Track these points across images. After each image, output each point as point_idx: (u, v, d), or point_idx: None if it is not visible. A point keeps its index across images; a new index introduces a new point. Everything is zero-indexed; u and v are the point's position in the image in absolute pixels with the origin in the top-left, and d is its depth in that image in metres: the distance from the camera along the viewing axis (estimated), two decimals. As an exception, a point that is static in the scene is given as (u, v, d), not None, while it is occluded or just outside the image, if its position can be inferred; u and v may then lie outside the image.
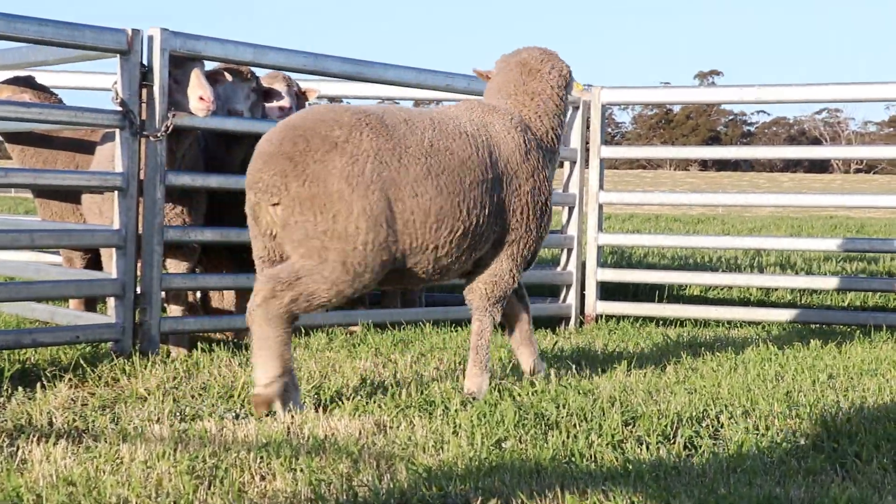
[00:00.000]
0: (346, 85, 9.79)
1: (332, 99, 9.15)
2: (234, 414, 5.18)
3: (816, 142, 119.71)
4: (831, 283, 9.80)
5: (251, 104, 7.66)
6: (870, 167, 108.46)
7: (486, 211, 5.67)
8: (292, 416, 5.06)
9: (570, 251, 9.64)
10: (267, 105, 8.02)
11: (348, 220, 5.21)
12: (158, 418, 5.06)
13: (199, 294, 8.14)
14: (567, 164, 9.65)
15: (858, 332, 8.92)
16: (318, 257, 5.21)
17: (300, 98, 8.44)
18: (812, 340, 8.22)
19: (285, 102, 8.17)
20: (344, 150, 5.26)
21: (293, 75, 8.54)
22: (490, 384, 5.79)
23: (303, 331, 7.88)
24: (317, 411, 5.18)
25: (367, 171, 5.26)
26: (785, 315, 9.53)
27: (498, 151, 5.81)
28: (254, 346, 5.24)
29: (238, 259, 8.22)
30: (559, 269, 9.76)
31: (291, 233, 5.23)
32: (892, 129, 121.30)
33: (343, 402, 5.34)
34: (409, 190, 5.38)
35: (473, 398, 5.55)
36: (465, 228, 5.59)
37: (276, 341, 5.20)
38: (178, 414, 5.16)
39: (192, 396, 5.58)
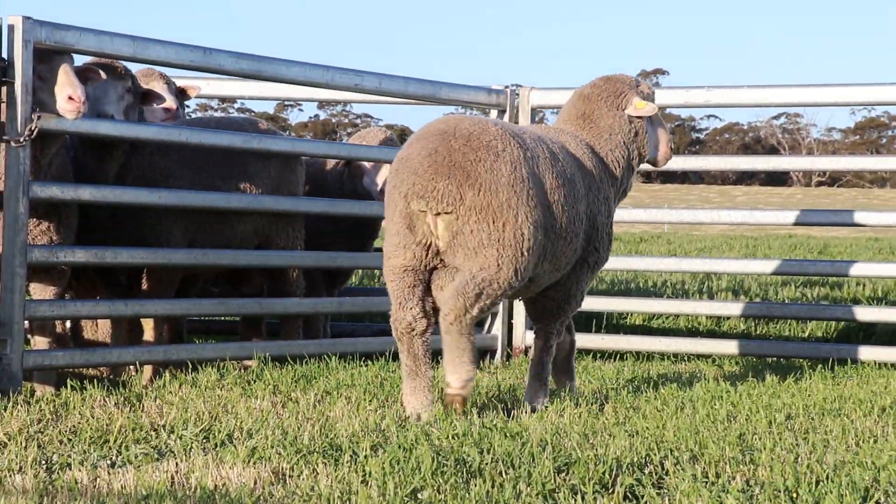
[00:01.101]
0: (241, 84, 9.78)
1: (223, 99, 9.17)
2: (109, 462, 5.14)
3: (774, 151, 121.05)
4: (790, 310, 9.93)
5: (126, 106, 7.58)
6: (833, 179, 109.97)
7: (584, 227, 6.73)
8: (177, 464, 5.04)
9: (495, 274, 9.68)
10: (148, 109, 8.00)
11: (515, 226, 6.13)
12: (21, 467, 5.00)
13: (68, 323, 8.07)
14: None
15: (820, 366, 9.03)
16: (496, 265, 6.12)
17: (181, 96, 8.44)
18: (768, 376, 8.31)
19: (170, 104, 8.16)
20: (506, 159, 6.15)
21: (180, 72, 8.53)
22: (407, 425, 5.80)
23: (190, 366, 7.84)
24: (205, 458, 5.15)
25: (526, 178, 6.20)
26: (738, 347, 9.63)
27: (582, 172, 6.79)
28: (449, 354, 6.19)
29: (114, 283, 8.18)
30: (483, 294, 9.79)
31: (466, 241, 6.09)
32: (857, 136, 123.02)
33: (236, 448, 5.32)
34: (549, 197, 6.38)
35: (533, 410, 6.57)
36: (576, 240, 6.67)
37: (469, 347, 6.22)
38: (43, 462, 5.11)
39: (61, 442, 5.52)
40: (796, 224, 9.89)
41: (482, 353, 9.55)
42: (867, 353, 9.36)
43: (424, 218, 6.10)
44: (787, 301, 12.99)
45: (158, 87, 8.23)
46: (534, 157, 6.36)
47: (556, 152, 6.64)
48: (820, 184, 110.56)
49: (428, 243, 6.15)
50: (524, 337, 9.65)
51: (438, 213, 6.07)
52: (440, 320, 6.21)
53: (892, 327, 10.48)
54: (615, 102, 7.18)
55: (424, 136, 6.24)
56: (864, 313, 9.64)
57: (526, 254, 6.20)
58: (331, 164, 9.50)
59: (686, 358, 9.64)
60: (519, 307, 9.62)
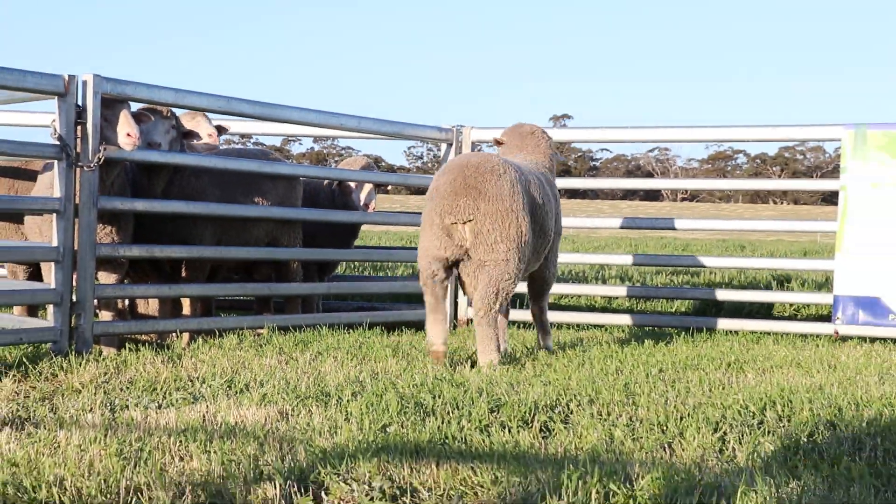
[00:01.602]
0: (256, 124, 9.76)
1: (242, 136, 9.09)
2: (156, 404, 5.10)
3: (649, 175, 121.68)
4: (662, 292, 9.97)
5: (171, 139, 7.60)
6: (693, 196, 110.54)
7: (552, 227, 7.22)
8: (207, 406, 5.01)
9: (445, 265, 9.65)
10: (195, 142, 8.04)
11: (516, 226, 6.57)
12: (91, 408, 4.97)
13: (127, 301, 8.01)
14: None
15: (684, 333, 9.08)
16: (505, 258, 6.53)
17: (219, 131, 8.44)
18: (646, 340, 8.35)
19: (213, 137, 8.22)
20: (506, 178, 6.59)
21: (211, 115, 8.50)
22: (379, 377, 5.81)
23: (217, 333, 7.80)
24: (228, 402, 5.12)
25: (521, 193, 6.64)
26: (624, 319, 9.67)
27: (550, 189, 7.24)
28: (480, 343, 6.58)
29: (160, 271, 8.13)
30: (436, 280, 9.77)
31: (486, 238, 6.51)
32: (710, 165, 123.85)
33: (251, 394, 5.30)
34: (535, 206, 6.84)
35: (549, 349, 7.39)
36: (549, 237, 7.16)
37: (493, 336, 6.60)
38: (108, 405, 5.07)
39: (121, 390, 5.49)
40: (666, 228, 9.94)
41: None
42: (718, 323, 9.42)
43: (456, 227, 6.54)
44: (659, 285, 13.06)
45: (203, 123, 8.26)
46: (524, 179, 6.80)
47: (536, 175, 7.10)
48: (683, 199, 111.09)
49: (461, 244, 6.57)
50: (466, 311, 9.64)
51: (465, 222, 6.51)
52: (474, 316, 6.61)
53: (736, 304, 10.55)
54: (549, 143, 7.80)
55: (448, 171, 6.66)
56: (716, 294, 9.70)
57: (524, 246, 6.64)
58: (325, 183, 9.47)
59: (586, 327, 9.66)
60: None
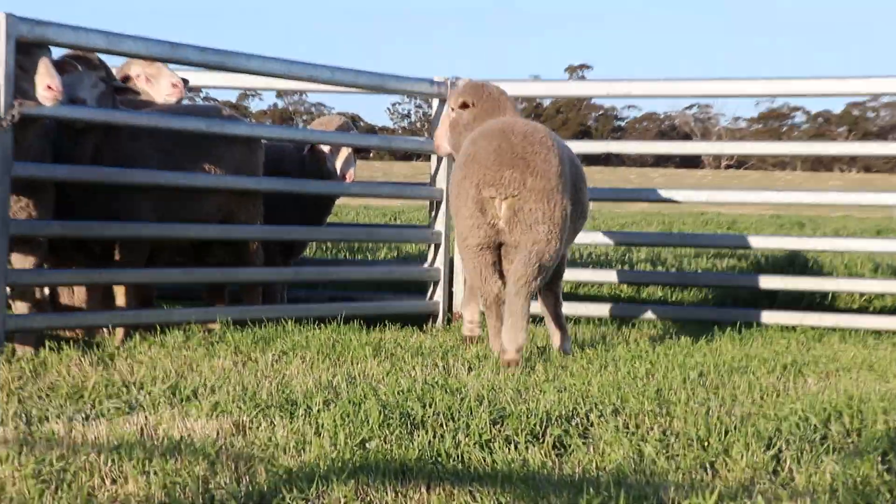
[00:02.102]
0: (206, 75, 9.74)
1: (190, 89, 9.07)
2: (83, 415, 5.08)
3: (687, 137, 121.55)
4: (702, 279, 9.96)
5: (99, 94, 7.56)
6: (740, 163, 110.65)
7: (587, 210, 7.63)
8: (146, 417, 4.99)
9: (437, 247, 9.65)
10: (155, 86, 8.11)
11: (561, 207, 6.88)
12: (2, 420, 4.95)
13: (46, 290, 7.99)
14: (434, 158, 9.66)
15: (729, 329, 9.08)
16: (546, 239, 6.83)
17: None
18: (683, 338, 8.35)
19: (177, 91, 8.34)
20: (555, 153, 6.93)
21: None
22: (356, 382, 5.81)
23: (158, 328, 7.79)
24: (172, 412, 5.11)
25: (566, 171, 7.00)
26: (656, 312, 9.67)
27: (575, 164, 7.49)
28: (510, 318, 6.78)
29: (88, 253, 8.11)
30: (427, 265, 9.77)
31: (525, 218, 6.79)
32: (761, 125, 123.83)
33: (200, 402, 5.28)
34: (573, 186, 7.17)
35: (567, 352, 7.44)
36: (578, 221, 7.54)
37: (527, 314, 6.86)
38: (23, 415, 5.05)
39: (39, 397, 5.47)
40: (707, 202, 9.92)
41: (425, 318, 9.53)
42: (770, 317, 9.43)
43: (493, 202, 6.83)
44: (699, 271, 13.05)
45: (164, 73, 8.48)
46: (567, 153, 7.24)
47: (569, 153, 7.44)
48: (728, 167, 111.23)
49: (494, 223, 6.87)
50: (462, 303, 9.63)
51: (505, 198, 6.80)
52: (509, 288, 6.85)
53: (792, 294, 10.55)
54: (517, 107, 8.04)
55: (489, 136, 6.97)
56: (768, 281, 9.69)
57: (565, 231, 6.98)
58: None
59: (609, 321, 9.66)
60: (459, 278, 9.59)
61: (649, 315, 9.67)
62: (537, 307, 7.81)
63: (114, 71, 8.10)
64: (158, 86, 8.59)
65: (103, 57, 7.70)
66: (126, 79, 8.56)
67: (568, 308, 9.57)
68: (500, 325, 6.98)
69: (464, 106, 7.78)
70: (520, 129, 7.00)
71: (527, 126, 7.05)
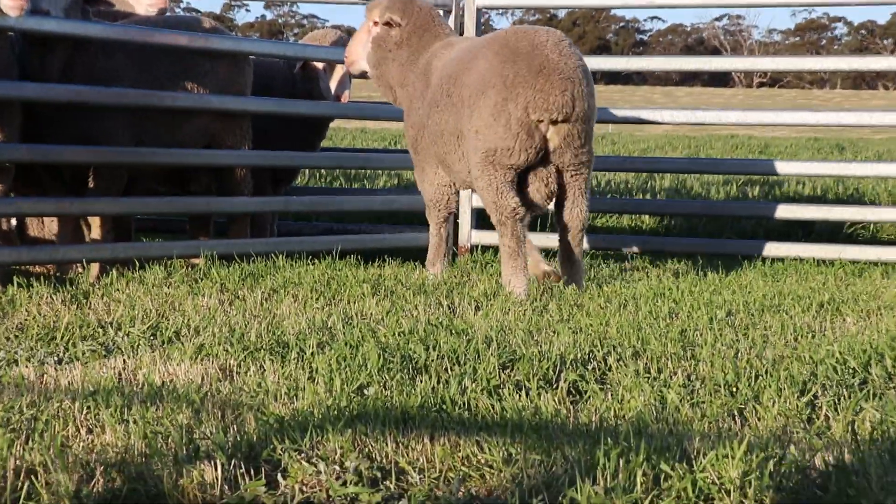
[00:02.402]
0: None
1: (170, -2, 9.03)
2: (56, 358, 5.11)
3: (716, 52, 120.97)
4: (731, 208, 9.95)
5: (67, 4, 7.49)
6: (774, 80, 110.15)
7: None
8: (124, 361, 5.01)
9: (441, 173, 9.64)
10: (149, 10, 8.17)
11: (594, 128, 7.40)
12: (-32, 364, 4.97)
13: (14, 221, 7.99)
14: (438, 75, 9.61)
15: (759, 263, 9.07)
16: (589, 160, 7.34)
17: None
18: (709, 273, 8.35)
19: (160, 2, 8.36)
20: (589, 72, 7.33)
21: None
22: (353, 322, 5.82)
23: (137, 264, 7.80)
24: (153, 355, 5.13)
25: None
26: (680, 245, 9.66)
27: None
28: (578, 262, 7.55)
29: (59, 181, 8.09)
30: (429, 193, 9.75)
31: (574, 141, 7.16)
32: (798, 38, 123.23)
33: (183, 345, 5.30)
34: None
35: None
36: None
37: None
38: (-9, 359, 5.08)
39: (7, 339, 5.49)
40: (738, 124, 9.88)
41: (427, 252, 9.54)
42: (805, 250, 9.40)
43: (539, 125, 7.08)
44: (729, 199, 13.03)
45: None
46: None
47: None
48: (761, 85, 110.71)
49: (540, 146, 7.14)
50: (469, 236, 9.62)
51: (558, 121, 7.07)
52: (572, 233, 7.43)
53: (831, 225, 10.54)
54: None
55: (523, 53, 7.16)
56: (803, 211, 9.67)
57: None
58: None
59: (629, 256, 9.66)
60: (464, 207, 9.58)
61: (673, 248, 9.66)
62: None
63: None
64: None
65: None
66: None
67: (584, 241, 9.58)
68: (516, 246, 7.25)
69: (388, 24, 7.97)
70: (553, 41, 7.25)
71: (558, 37, 7.32)
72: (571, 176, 7.30)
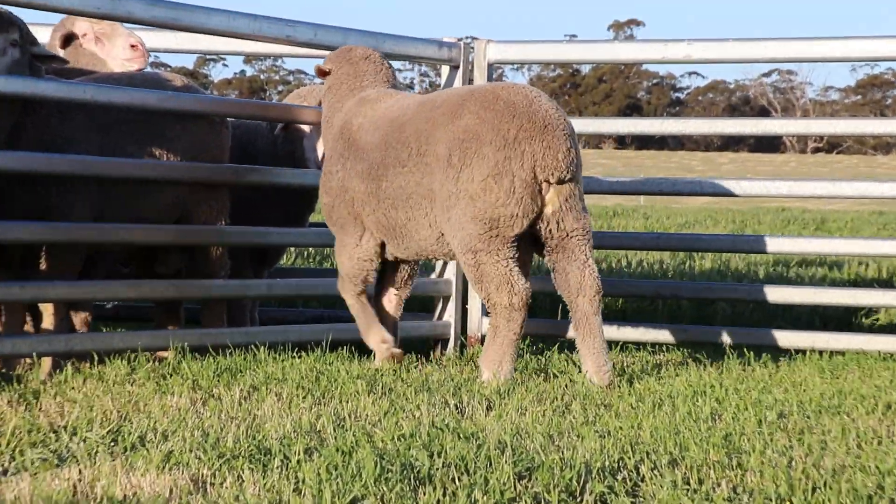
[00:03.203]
0: (156, 35, 9.74)
1: (135, 53, 9.09)
2: (1, 468, 5.10)
3: (764, 113, 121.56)
4: (783, 294, 9.95)
5: (12, 61, 7.46)
6: (832, 145, 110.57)
7: None
8: (80, 471, 5.00)
9: (448, 253, 9.68)
10: (116, 46, 8.22)
11: None
12: None
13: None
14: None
15: (817, 357, 9.06)
16: (589, 226, 7.52)
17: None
18: (758, 368, 8.35)
19: (137, 56, 8.44)
20: None
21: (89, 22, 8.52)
22: (346, 424, 5.81)
23: (95, 357, 7.80)
24: (113, 464, 5.12)
25: None
26: (724, 335, 9.65)
27: None
28: (599, 337, 7.51)
29: (6, 262, 8.10)
30: (434, 275, 9.79)
31: (575, 204, 7.41)
32: (858, 96, 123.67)
33: (149, 452, 5.29)
34: None
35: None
36: None
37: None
38: (-74, 469, 5.08)
39: (-54, 445, 5.48)
40: (789, 196, 9.91)
41: (433, 343, 9.57)
42: (870, 341, 9.37)
43: (542, 187, 7.34)
44: (780, 283, 13.03)
45: (120, 33, 8.68)
46: None
47: None
48: (816, 150, 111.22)
49: (540, 211, 7.39)
50: (480, 324, 9.63)
51: (561, 181, 7.34)
52: (584, 306, 7.47)
53: (899, 313, 10.54)
54: (392, 72, 8.66)
55: (549, 107, 7.45)
56: (867, 296, 9.68)
57: None
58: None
59: (665, 348, 9.66)
60: (473, 291, 9.60)
61: (715, 339, 9.65)
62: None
63: (46, 31, 8.13)
64: (112, 47, 8.65)
65: (22, 14, 7.68)
66: (69, 39, 8.62)
67: (611, 330, 9.58)
68: (521, 334, 7.49)
69: (323, 74, 8.43)
70: (543, 95, 7.58)
71: (539, 92, 7.61)
72: (577, 241, 7.44)
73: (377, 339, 8.15)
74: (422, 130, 7.59)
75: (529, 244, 7.60)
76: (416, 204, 7.62)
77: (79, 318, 8.40)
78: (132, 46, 8.63)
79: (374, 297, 8.34)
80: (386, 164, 7.72)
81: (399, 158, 7.66)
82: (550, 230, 7.43)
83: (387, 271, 8.36)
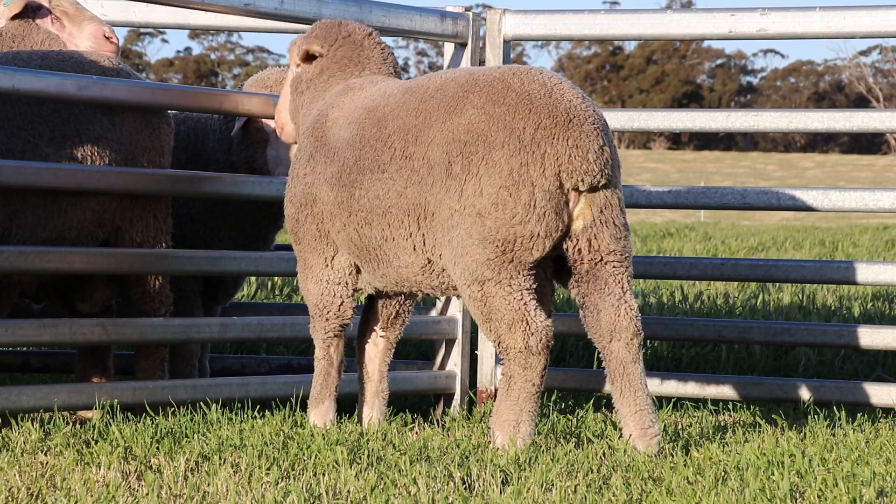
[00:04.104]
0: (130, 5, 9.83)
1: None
2: None
3: (863, 102, 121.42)
4: (884, 337, 9.97)
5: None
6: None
7: None
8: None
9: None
10: (83, 32, 8.33)
11: None
12: None
13: None
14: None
15: (926, 418, 9.09)
16: (630, 247, 7.56)
17: None
18: (851, 433, 8.37)
19: (107, 41, 8.53)
20: None
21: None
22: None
23: (2, 419, 7.84)
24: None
25: None
26: (807, 390, 9.68)
27: None
28: (641, 391, 7.52)
29: None
30: (435, 312, 9.81)
31: (615, 217, 7.40)
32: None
33: (69, 540, 5.33)
34: None
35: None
36: None
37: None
38: None
39: None
40: (893, 210, 9.90)
41: (433, 399, 9.60)
42: None
43: (570, 197, 7.35)
44: (877, 322, 13.05)
45: (88, 14, 8.89)
46: None
47: None
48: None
49: (566, 227, 7.38)
50: (494, 374, 9.64)
51: (595, 188, 7.33)
52: (621, 352, 7.46)
53: None
54: (391, 55, 8.63)
55: (582, 104, 7.43)
56: None
57: None
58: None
59: (731, 406, 9.69)
60: (484, 336, 9.63)
61: (796, 394, 9.68)
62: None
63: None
64: (79, 33, 8.70)
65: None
66: (31, 11, 8.71)
67: (660, 384, 9.60)
68: (540, 385, 7.43)
69: (308, 57, 8.29)
70: (565, 81, 7.55)
71: (557, 76, 7.58)
72: (613, 269, 7.43)
73: (321, 415, 8.13)
74: (409, 127, 7.55)
75: (551, 272, 7.67)
76: (397, 220, 7.57)
77: None
78: (106, 37, 8.68)
79: (357, 341, 8.29)
80: (361, 167, 7.67)
81: (378, 161, 7.61)
82: (580, 251, 7.41)
83: (371, 307, 8.34)
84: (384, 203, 7.57)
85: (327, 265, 8.02)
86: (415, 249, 7.57)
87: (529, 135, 7.25)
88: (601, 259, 7.39)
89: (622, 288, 7.42)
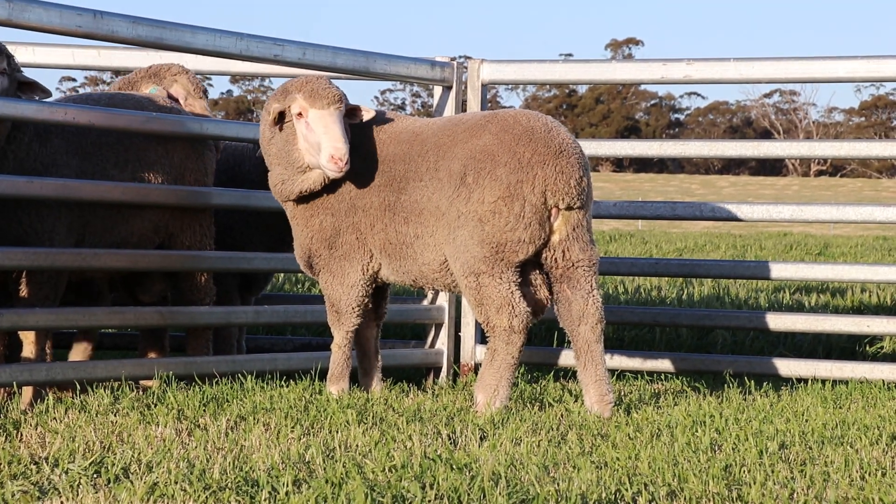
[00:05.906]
0: (139, 54, 9.74)
1: (117, 72, 9.13)
2: (-18, 500, 5.10)
3: (766, 135, 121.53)
4: (785, 321, 9.95)
5: (0, 90, 7.51)
6: (835, 168, 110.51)
7: None
8: (62, 503, 5.00)
9: (440, 279, 9.69)
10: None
11: None
12: None
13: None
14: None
15: (819, 386, 9.06)
16: (597, 257, 7.70)
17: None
18: (759, 398, 8.35)
19: (196, 105, 8.66)
20: None
21: (66, 39, 8.50)
22: (336, 455, 5.81)
23: (78, 387, 7.80)
24: (96, 496, 5.12)
25: None
26: (723, 363, 9.65)
27: None
28: (601, 367, 7.67)
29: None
30: (426, 301, 9.80)
31: (582, 234, 7.61)
32: (862, 118, 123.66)
33: (133, 484, 5.30)
34: None
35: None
36: None
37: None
38: None
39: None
40: (792, 220, 9.91)
41: (425, 372, 9.57)
42: (874, 370, 9.36)
43: (552, 213, 7.55)
44: (780, 309, 13.04)
45: (182, 82, 8.94)
46: None
47: None
48: (820, 173, 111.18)
49: (542, 243, 7.57)
50: (474, 352, 9.64)
51: (571, 208, 7.53)
52: (586, 333, 7.65)
53: (904, 341, 10.54)
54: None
55: (565, 138, 7.66)
56: (871, 324, 9.67)
57: None
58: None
59: (663, 376, 9.66)
60: (468, 318, 9.62)
61: (715, 367, 9.66)
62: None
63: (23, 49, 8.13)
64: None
65: (6, 33, 7.69)
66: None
67: (608, 359, 9.57)
68: (519, 358, 7.59)
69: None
70: (556, 124, 7.76)
71: (555, 121, 7.79)
72: (583, 272, 7.61)
73: (339, 389, 8.09)
74: (441, 145, 7.73)
75: (542, 275, 7.75)
76: (426, 221, 7.68)
77: (80, 349, 8.48)
78: (196, 97, 8.80)
79: (358, 331, 8.25)
80: (407, 176, 7.80)
81: (418, 171, 7.76)
82: (556, 259, 7.59)
83: (371, 302, 8.27)
84: (419, 206, 7.71)
85: (364, 272, 8.01)
86: (434, 248, 7.69)
87: (527, 159, 7.46)
88: (573, 265, 7.59)
89: (591, 285, 7.62)
